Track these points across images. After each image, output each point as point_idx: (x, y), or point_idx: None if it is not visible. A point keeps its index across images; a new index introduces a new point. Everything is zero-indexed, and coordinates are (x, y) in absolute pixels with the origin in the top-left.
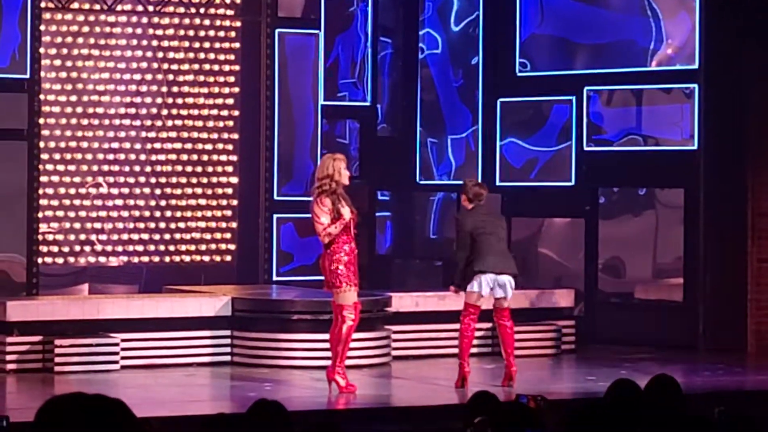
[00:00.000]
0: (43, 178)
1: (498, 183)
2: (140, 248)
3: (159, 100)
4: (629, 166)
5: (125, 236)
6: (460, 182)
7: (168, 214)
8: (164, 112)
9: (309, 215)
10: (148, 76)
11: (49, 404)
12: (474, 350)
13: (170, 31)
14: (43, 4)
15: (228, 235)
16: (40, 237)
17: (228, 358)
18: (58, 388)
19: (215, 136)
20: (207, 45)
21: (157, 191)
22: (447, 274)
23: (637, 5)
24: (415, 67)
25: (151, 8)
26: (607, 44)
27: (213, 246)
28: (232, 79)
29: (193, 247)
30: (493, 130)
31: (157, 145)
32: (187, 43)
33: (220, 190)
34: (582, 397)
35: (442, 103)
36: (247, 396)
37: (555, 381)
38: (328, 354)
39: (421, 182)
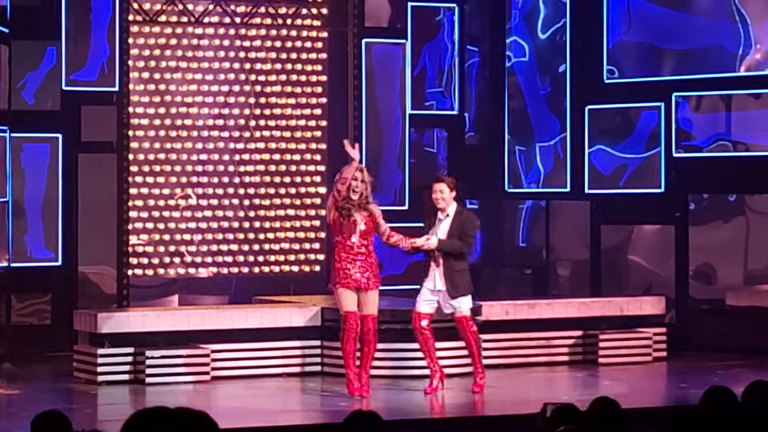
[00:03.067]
0: (133, 190)
1: (587, 190)
2: (229, 259)
3: (247, 111)
4: (719, 172)
5: (214, 247)
6: (550, 190)
7: (257, 224)
8: (252, 123)
9: (398, 224)
10: (236, 88)
11: (134, 418)
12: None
13: (257, 43)
14: (131, 17)
15: (317, 245)
16: (130, 249)
17: (318, 368)
18: (149, 400)
19: (303, 146)
20: (294, 56)
21: (246, 202)
22: (537, 282)
23: (725, 10)
24: (502, 75)
25: (238, 20)
26: (695, 50)
27: (302, 256)
28: (319, 89)
29: (282, 258)
30: (581, 137)
31: (246, 156)
32: (274, 54)
33: (308, 200)
34: (675, 404)
35: (530, 111)
36: (338, 406)
37: (647, 389)
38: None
39: (510, 190)
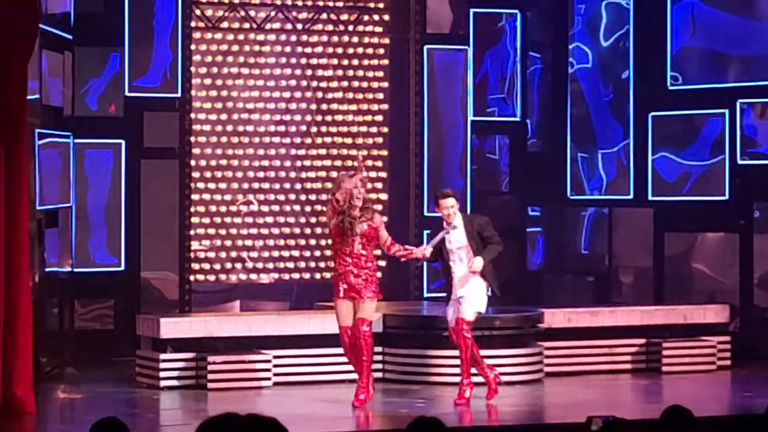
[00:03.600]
0: (195, 196)
1: (650, 197)
2: (291, 265)
3: (308, 118)
4: None
5: (276, 253)
6: (613, 197)
7: (318, 230)
8: (314, 129)
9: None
10: (297, 94)
11: (205, 425)
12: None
13: (319, 49)
14: (193, 24)
15: (378, 252)
16: (192, 254)
17: (379, 374)
18: (212, 405)
19: (364, 152)
20: (356, 62)
21: (307, 208)
22: (599, 289)
23: None
24: (564, 82)
25: (300, 26)
26: (759, 56)
27: None
28: (381, 96)
29: None
30: (644, 144)
31: (307, 163)
32: (335, 61)
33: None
34: (739, 413)
35: (593, 118)
36: (399, 412)
37: (711, 397)
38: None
39: (572, 197)
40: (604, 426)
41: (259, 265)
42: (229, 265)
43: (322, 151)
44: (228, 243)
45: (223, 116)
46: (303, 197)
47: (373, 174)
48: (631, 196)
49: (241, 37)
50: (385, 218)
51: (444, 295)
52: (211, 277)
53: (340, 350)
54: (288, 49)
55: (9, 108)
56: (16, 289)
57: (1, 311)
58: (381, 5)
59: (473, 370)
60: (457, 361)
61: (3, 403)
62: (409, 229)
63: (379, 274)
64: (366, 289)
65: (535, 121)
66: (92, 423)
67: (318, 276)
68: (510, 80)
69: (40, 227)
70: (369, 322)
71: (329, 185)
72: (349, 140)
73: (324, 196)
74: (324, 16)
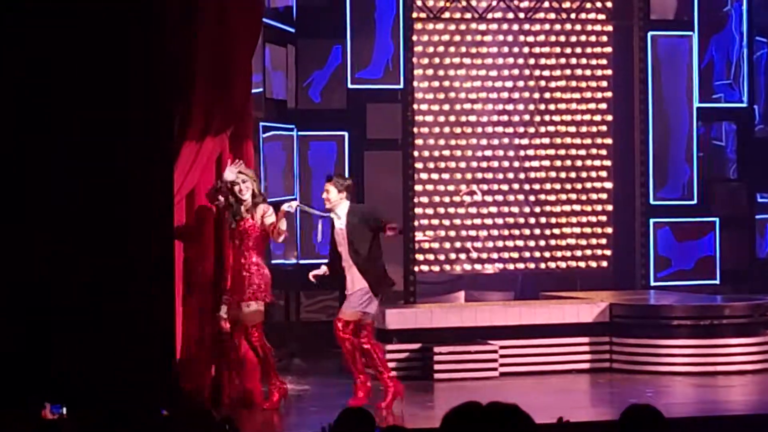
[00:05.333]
0: (418, 187)
1: None
2: (515, 255)
3: (531, 107)
4: None
5: (500, 243)
6: None
7: (542, 220)
8: (536, 118)
9: (686, 219)
10: (520, 83)
11: (451, 414)
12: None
13: (541, 38)
14: (414, 15)
15: (603, 241)
16: (417, 246)
17: (607, 364)
18: (438, 396)
19: (588, 141)
20: (578, 50)
21: (531, 198)
22: None
23: None
24: None
25: (522, 15)
26: None
27: (588, 252)
28: (604, 83)
29: (568, 254)
30: None
31: (530, 152)
32: (558, 49)
33: (594, 196)
34: None
35: None
36: (628, 402)
37: None
38: (709, 360)
39: None
40: None
41: (484, 256)
42: (453, 256)
43: (545, 140)
44: (452, 233)
45: (446, 106)
46: (527, 186)
47: (597, 162)
48: None
49: (462, 27)
50: (609, 207)
51: (671, 284)
52: (436, 268)
53: (567, 340)
54: (510, 38)
55: (234, 102)
56: None
57: None
58: None
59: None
60: (686, 351)
61: (232, 393)
62: (635, 218)
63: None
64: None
65: (762, 106)
66: (319, 414)
67: (543, 266)
68: (736, 65)
69: None
70: (251, 326)
71: (553, 174)
72: (572, 129)
73: (548, 185)
74: (546, 4)
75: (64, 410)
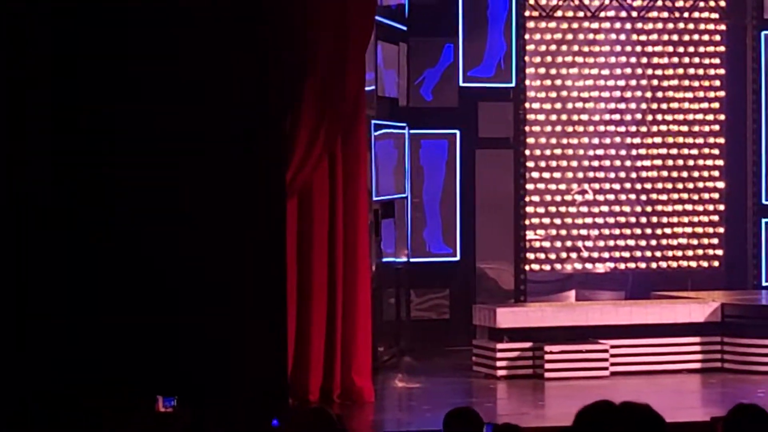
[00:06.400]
0: (529, 186)
1: None
2: (626, 254)
3: (643, 106)
4: None
5: (611, 242)
6: None
7: (654, 219)
8: (649, 117)
9: None
10: (633, 82)
11: (583, 411)
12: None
13: (654, 36)
14: (527, 13)
15: (715, 240)
16: (528, 244)
17: (718, 364)
18: (549, 394)
19: (701, 140)
20: (691, 49)
21: (643, 197)
22: None
23: None
24: None
25: (634, 14)
26: None
27: (700, 251)
28: (717, 83)
29: (679, 253)
30: None
31: (642, 151)
32: (671, 48)
33: (706, 195)
34: None
35: None
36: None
37: None
38: None
39: None
40: None
41: (595, 255)
42: (564, 255)
43: (658, 140)
44: (563, 232)
45: (558, 105)
46: (638, 186)
47: (709, 162)
48: None
49: (575, 25)
50: (721, 207)
51: None
52: (547, 267)
53: (678, 340)
54: (623, 36)
55: (347, 99)
56: (355, 279)
57: (341, 300)
58: None
59: None
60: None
61: (343, 391)
62: (746, 217)
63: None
64: None
65: None
66: (431, 412)
67: (654, 265)
68: None
69: (377, 217)
70: None
71: (665, 173)
72: (684, 128)
73: (660, 185)
74: (659, 3)
75: (176, 402)
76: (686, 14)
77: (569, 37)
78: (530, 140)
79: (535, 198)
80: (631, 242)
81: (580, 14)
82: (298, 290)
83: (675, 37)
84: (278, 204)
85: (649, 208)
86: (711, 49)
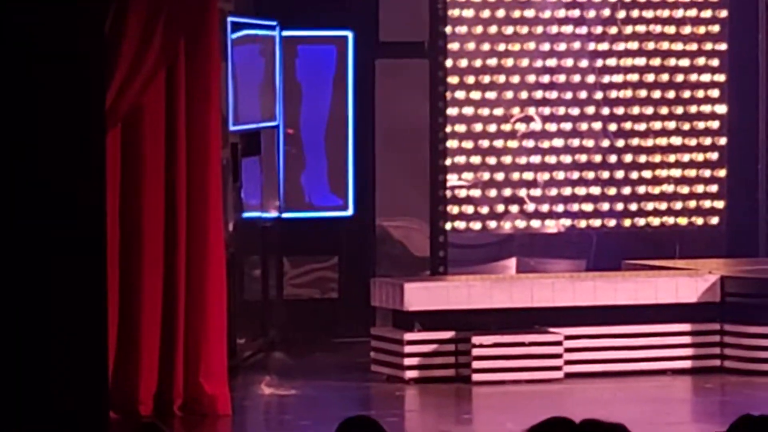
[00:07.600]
0: (451, 110)
1: None
2: (588, 207)
3: None
4: None
5: (567, 191)
6: None
7: (627, 158)
8: (620, 13)
9: None
10: None
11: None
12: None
13: None
14: None
15: (713, 188)
16: (448, 193)
17: (717, 362)
18: (478, 405)
19: (693, 46)
20: None
21: (612, 126)
22: None
23: None
24: None
25: None
26: None
27: (692, 203)
28: None
29: (663, 206)
30: None
31: (611, 61)
32: None
33: (700, 124)
34: None
35: None
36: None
37: None
38: None
39: None
40: None
41: (544, 208)
42: (500, 208)
43: (633, 45)
44: (499, 177)
45: None
46: (605, 110)
47: (705, 77)
48: None
49: None
50: (722, 140)
51: None
52: (476, 225)
53: (660, 328)
54: None
55: None
56: (204, 244)
57: (183, 275)
58: None
59: None
60: None
61: (186, 401)
62: (756, 155)
63: None
64: None
65: None
66: (312, 429)
67: (627, 223)
68: None
69: (234, 156)
70: None
71: (643, 93)
72: (670, 29)
73: (636, 109)
74: None
75: None
76: None
77: None
78: (453, 45)
79: (460, 128)
80: (596, 190)
81: None
82: (122, 261)
83: None
84: (92, 140)
85: (620, 142)
86: None
